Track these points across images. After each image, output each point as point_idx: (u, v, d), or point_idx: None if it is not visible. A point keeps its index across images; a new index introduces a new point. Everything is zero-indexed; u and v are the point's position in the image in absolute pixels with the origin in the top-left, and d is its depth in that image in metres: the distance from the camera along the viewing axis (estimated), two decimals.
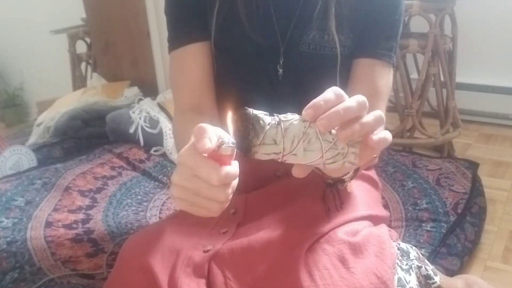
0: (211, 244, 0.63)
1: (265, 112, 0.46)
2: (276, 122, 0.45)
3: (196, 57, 0.76)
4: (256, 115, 0.45)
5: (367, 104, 0.46)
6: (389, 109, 1.86)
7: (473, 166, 1.44)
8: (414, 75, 1.89)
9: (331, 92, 0.46)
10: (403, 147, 1.69)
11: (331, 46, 0.71)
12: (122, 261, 0.64)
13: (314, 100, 0.45)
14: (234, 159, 0.47)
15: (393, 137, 1.71)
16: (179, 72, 0.78)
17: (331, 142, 0.45)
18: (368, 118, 0.46)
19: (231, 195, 0.49)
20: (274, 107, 0.73)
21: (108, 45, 2.16)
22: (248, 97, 0.77)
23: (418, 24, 1.73)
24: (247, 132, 0.44)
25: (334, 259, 0.57)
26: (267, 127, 0.45)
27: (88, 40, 2.42)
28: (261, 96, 0.74)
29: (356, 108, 0.45)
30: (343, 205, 0.67)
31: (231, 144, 0.45)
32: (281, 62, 0.73)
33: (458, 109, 1.77)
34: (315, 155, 0.46)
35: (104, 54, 2.20)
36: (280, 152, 0.46)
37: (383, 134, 0.47)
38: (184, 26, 0.76)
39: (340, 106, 0.45)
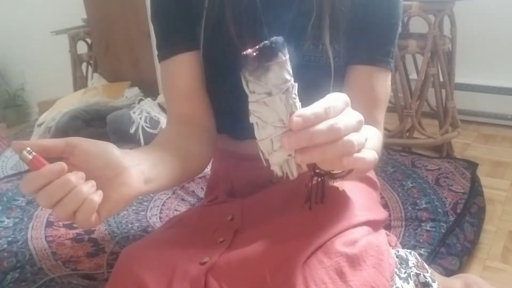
0: (207, 256, 0.62)
1: (288, 70, 0.46)
2: (276, 91, 0.45)
3: (184, 68, 0.75)
4: (268, 66, 0.44)
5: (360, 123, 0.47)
6: (389, 109, 1.84)
7: (472, 166, 1.45)
8: (413, 76, 1.89)
9: (321, 107, 0.45)
10: (402, 147, 1.70)
11: (326, 56, 0.70)
12: (118, 277, 0.63)
13: (306, 113, 0.45)
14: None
15: (393, 137, 1.73)
16: (169, 84, 0.77)
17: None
18: (333, 146, 0.45)
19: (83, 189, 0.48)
20: None
21: (108, 46, 2.17)
22: (240, 108, 0.76)
23: (417, 25, 1.74)
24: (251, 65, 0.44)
25: (331, 273, 0.56)
26: (261, 84, 0.45)
27: (89, 40, 2.43)
28: None
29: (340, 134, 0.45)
30: (323, 200, 0.65)
31: (26, 153, 0.46)
32: None
33: (457, 109, 1.78)
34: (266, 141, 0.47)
35: (105, 55, 2.21)
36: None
37: (360, 155, 0.47)
38: (172, 37, 0.75)
39: (323, 140, 0.45)
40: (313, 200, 0.65)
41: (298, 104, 0.47)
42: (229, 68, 0.73)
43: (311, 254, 0.58)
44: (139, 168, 0.56)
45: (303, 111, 0.45)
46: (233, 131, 0.79)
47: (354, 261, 0.58)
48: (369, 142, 0.51)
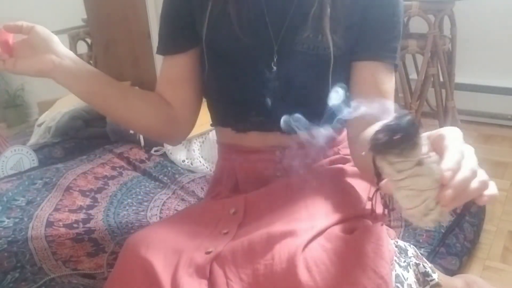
0: (213, 246, 0.64)
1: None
2: (425, 158, 0.45)
3: (174, 66, 0.83)
4: (417, 141, 0.44)
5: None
6: None
7: None
8: (413, 76, 1.89)
9: (459, 154, 0.46)
10: None
11: (325, 46, 0.72)
12: (124, 260, 0.65)
13: (452, 165, 0.45)
14: None
15: None
16: (160, 74, 0.86)
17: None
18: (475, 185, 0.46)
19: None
20: (265, 106, 0.74)
21: (108, 46, 2.17)
22: (241, 97, 0.78)
23: (417, 25, 1.74)
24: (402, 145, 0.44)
25: (332, 255, 0.57)
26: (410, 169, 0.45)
27: (89, 40, 2.43)
28: (253, 94, 0.75)
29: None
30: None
31: None
32: (275, 60, 0.74)
33: (457, 109, 1.78)
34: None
35: (105, 55, 2.21)
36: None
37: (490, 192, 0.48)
38: (171, 38, 0.82)
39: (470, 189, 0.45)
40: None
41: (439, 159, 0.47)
42: (231, 57, 0.75)
43: (312, 238, 0.60)
44: (68, 62, 0.74)
45: (449, 164, 0.45)
46: (236, 123, 0.81)
47: (354, 245, 0.59)
48: None
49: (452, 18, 1.68)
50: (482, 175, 0.47)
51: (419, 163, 0.45)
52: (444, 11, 1.62)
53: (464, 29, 1.76)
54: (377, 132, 0.44)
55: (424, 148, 0.46)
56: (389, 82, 0.75)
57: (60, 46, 0.73)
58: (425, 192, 0.46)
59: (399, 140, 0.44)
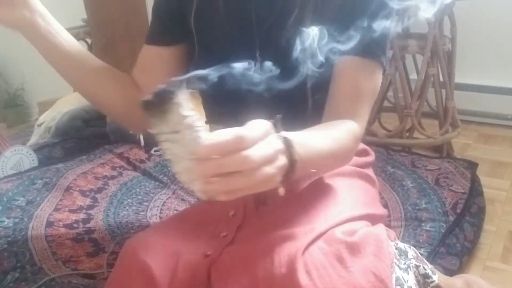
0: (211, 249, 0.64)
1: (188, 106, 0.47)
2: (180, 128, 0.47)
3: (153, 58, 0.86)
4: (167, 108, 0.46)
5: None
6: (389, 109, 1.86)
7: (472, 166, 1.45)
8: (413, 76, 1.89)
9: (231, 136, 0.45)
10: (402, 147, 1.70)
11: None
12: (123, 263, 0.65)
13: (212, 142, 0.45)
14: None
15: (392, 137, 1.73)
16: (139, 59, 0.89)
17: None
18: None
19: None
20: (249, 101, 0.74)
21: (108, 46, 2.17)
22: (232, 94, 0.77)
23: (417, 25, 1.74)
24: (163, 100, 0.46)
25: (332, 259, 0.57)
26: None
27: (89, 40, 2.43)
28: (237, 89, 0.75)
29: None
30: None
31: None
32: (257, 55, 0.74)
33: (457, 110, 1.78)
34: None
35: (105, 55, 2.21)
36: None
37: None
38: (160, 30, 0.85)
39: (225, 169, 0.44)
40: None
41: (205, 134, 0.47)
42: (216, 48, 0.75)
43: (311, 242, 0.59)
44: (38, 20, 0.72)
45: (210, 141, 0.45)
46: (228, 120, 0.81)
47: (354, 248, 0.59)
48: (326, 142, 0.56)
49: (452, 18, 1.68)
50: (267, 171, 0.46)
51: (176, 131, 0.47)
52: (444, 11, 1.62)
53: (464, 29, 1.76)
54: (150, 91, 0.47)
55: (183, 119, 0.46)
56: (368, 81, 0.73)
57: (37, 4, 0.73)
58: (182, 161, 0.47)
59: (154, 102, 0.46)
